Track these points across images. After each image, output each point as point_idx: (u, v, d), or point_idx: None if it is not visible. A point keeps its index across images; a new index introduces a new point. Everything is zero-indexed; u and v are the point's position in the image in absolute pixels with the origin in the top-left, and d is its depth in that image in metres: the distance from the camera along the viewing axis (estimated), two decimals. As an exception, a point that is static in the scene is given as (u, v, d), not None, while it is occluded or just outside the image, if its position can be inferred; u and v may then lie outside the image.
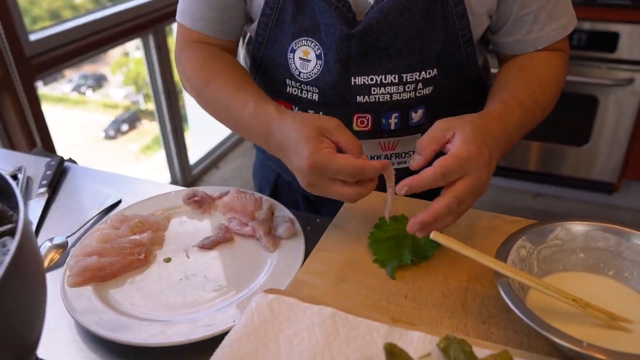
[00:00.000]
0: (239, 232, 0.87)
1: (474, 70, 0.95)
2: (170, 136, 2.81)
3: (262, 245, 0.84)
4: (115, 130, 3.38)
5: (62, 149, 2.39)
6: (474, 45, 0.91)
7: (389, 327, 0.61)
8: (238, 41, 1.02)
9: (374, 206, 0.87)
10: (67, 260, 0.82)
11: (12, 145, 1.95)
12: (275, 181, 1.17)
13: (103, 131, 3.36)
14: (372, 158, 0.98)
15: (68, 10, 2.55)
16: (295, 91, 0.95)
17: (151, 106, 2.76)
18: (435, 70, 0.90)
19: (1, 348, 0.46)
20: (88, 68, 3.33)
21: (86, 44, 2.15)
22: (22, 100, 1.91)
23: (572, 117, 2.52)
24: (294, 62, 0.92)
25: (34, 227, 0.94)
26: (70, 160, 1.18)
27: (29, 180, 1.08)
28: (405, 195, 0.70)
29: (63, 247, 0.88)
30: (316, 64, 0.90)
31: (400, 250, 0.77)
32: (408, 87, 0.90)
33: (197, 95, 0.95)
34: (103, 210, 0.98)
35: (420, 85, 0.91)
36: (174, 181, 2.93)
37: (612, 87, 2.36)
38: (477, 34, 0.92)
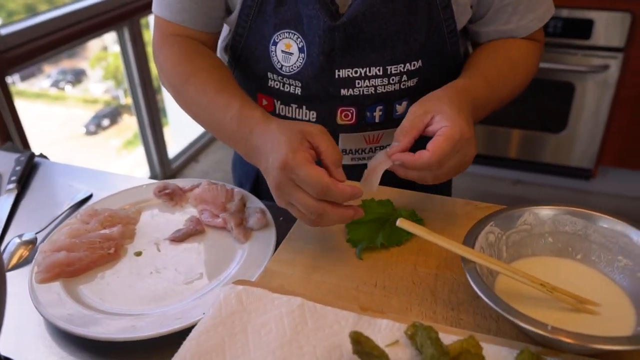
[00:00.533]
0: (210, 224, 0.87)
1: (457, 60, 0.95)
2: (148, 130, 2.78)
3: (233, 236, 0.83)
4: (96, 126, 3.34)
5: (42, 146, 2.36)
6: (457, 35, 0.91)
7: (357, 316, 0.61)
8: (218, 34, 0.99)
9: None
10: (35, 257, 0.80)
11: (-16, 142, 1.92)
12: (256, 175, 1.16)
13: (84, 127, 3.32)
14: (356, 152, 0.98)
15: (44, 4, 2.51)
16: (277, 85, 0.93)
17: (131, 100, 2.73)
18: (419, 61, 0.89)
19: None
20: (66, 63, 3.29)
21: (60, 37, 2.12)
22: (-6, 96, 1.88)
23: (549, 104, 2.53)
24: (276, 55, 0.90)
25: (2, 224, 0.92)
26: (42, 155, 1.16)
27: (-3, 177, 1.07)
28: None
29: (32, 243, 0.87)
30: (298, 57, 0.89)
31: (375, 233, 0.77)
32: (392, 80, 0.90)
33: (175, 93, 0.91)
34: (74, 205, 0.97)
35: (404, 77, 0.90)
36: (153, 175, 2.90)
37: (587, 73, 2.38)
38: (460, 24, 0.91)
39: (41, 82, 3.24)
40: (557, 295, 0.62)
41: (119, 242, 0.83)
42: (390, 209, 0.82)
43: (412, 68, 0.89)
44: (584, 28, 2.30)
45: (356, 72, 0.88)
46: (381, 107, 0.92)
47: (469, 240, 0.65)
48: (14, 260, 0.84)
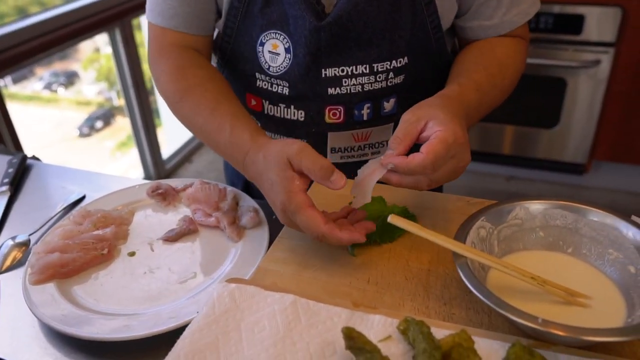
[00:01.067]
0: (203, 224, 0.87)
1: (443, 56, 0.95)
2: (141, 131, 2.78)
3: (226, 235, 0.84)
4: (89, 128, 3.33)
5: (36, 148, 2.35)
6: (442, 31, 0.91)
7: (350, 312, 0.61)
8: (212, 36, 0.99)
9: (338, 193, 0.87)
10: (28, 258, 0.80)
11: (-24, 145, 1.92)
12: (248, 175, 1.16)
13: (77, 129, 3.31)
14: (345, 150, 0.98)
15: (36, 7, 2.50)
16: (265, 85, 0.94)
17: (124, 102, 2.73)
18: (405, 58, 0.90)
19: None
20: (59, 65, 3.28)
21: (52, 39, 2.11)
22: (-15, 99, 1.88)
23: (541, 99, 2.54)
24: (263, 56, 0.91)
25: (-5, 226, 0.92)
26: (34, 157, 1.16)
27: (-10, 179, 1.07)
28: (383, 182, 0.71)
29: (25, 245, 0.87)
30: (285, 57, 0.89)
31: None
32: (379, 77, 0.90)
33: (172, 109, 0.92)
34: (67, 207, 0.97)
35: (391, 75, 0.90)
36: (147, 176, 2.90)
37: (579, 69, 2.39)
38: (445, 19, 0.91)
39: (33, 85, 3.23)
40: (548, 288, 0.62)
41: (112, 242, 0.83)
42: (383, 206, 0.83)
43: (399, 65, 0.90)
44: (575, 23, 2.30)
45: (343, 70, 0.89)
46: (369, 104, 0.92)
47: (460, 235, 0.66)
48: (8, 262, 0.84)
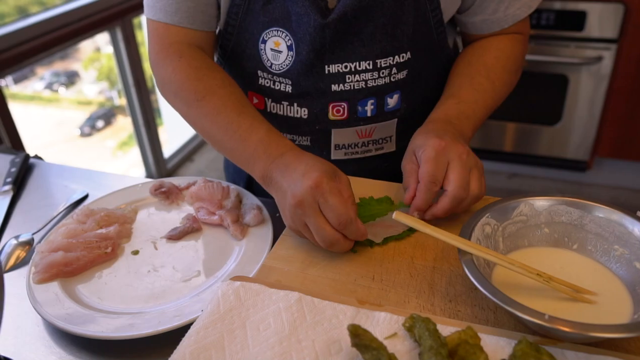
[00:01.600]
0: (207, 222, 0.87)
1: (445, 51, 0.95)
2: (142, 129, 2.78)
3: (230, 233, 0.83)
4: (90, 127, 3.34)
5: (37, 148, 2.35)
6: (444, 26, 0.91)
7: (355, 309, 0.61)
8: (215, 33, 0.97)
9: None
10: (32, 257, 0.80)
11: (-22, 145, 1.91)
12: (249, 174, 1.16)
13: (78, 128, 3.31)
14: (349, 146, 0.98)
15: (36, 7, 2.50)
16: (267, 83, 0.93)
17: (125, 101, 2.73)
18: (408, 53, 0.90)
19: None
20: (59, 65, 3.28)
21: (52, 39, 2.11)
22: (-13, 99, 1.87)
23: (543, 96, 2.54)
24: (265, 54, 0.90)
25: (-2, 225, 0.92)
26: (37, 157, 1.16)
27: (-7, 179, 1.07)
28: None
29: (29, 244, 0.87)
30: (287, 54, 0.89)
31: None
32: (383, 73, 0.90)
33: (187, 108, 0.88)
34: (70, 206, 0.96)
35: (394, 70, 0.90)
36: (148, 175, 2.90)
37: (581, 65, 2.38)
38: (447, 14, 0.92)
39: (34, 85, 3.23)
40: (554, 285, 0.62)
41: (115, 241, 0.83)
42: (389, 205, 0.82)
43: (401, 60, 0.90)
44: (577, 20, 2.30)
45: (346, 67, 0.89)
46: (372, 100, 0.92)
47: (465, 232, 0.65)
48: (12, 262, 0.84)
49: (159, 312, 0.71)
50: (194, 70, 0.88)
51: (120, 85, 2.66)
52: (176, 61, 0.89)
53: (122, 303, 0.74)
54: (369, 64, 0.89)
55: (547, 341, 0.57)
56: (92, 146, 3.34)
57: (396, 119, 0.97)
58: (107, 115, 3.38)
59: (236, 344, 0.58)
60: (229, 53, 0.95)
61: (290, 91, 0.92)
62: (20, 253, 0.85)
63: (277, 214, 0.87)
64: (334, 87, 0.90)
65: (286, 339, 0.58)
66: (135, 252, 0.83)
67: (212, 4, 0.91)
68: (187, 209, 0.92)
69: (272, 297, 0.63)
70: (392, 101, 0.94)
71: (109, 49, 2.64)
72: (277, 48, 0.89)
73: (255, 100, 0.97)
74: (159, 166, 2.95)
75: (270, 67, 0.91)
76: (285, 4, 0.86)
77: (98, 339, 0.67)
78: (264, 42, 0.89)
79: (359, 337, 0.53)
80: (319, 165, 0.72)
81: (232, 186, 0.92)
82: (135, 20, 2.63)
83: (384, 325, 0.59)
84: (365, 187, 0.87)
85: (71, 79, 3.34)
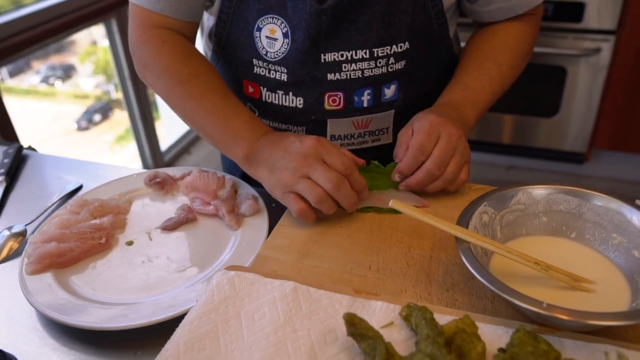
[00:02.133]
0: (202, 212, 0.86)
1: (445, 42, 0.94)
2: (139, 122, 2.76)
3: (225, 223, 0.83)
4: (87, 121, 3.32)
5: (34, 142, 2.33)
6: (445, 16, 0.90)
7: (351, 299, 0.61)
8: (198, 24, 0.97)
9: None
10: (25, 248, 0.79)
11: (-28, 137, 1.90)
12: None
13: (75, 122, 3.30)
14: (345, 137, 0.97)
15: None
16: (262, 71, 0.92)
17: (121, 94, 2.72)
18: (406, 43, 0.89)
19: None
20: (55, 58, 3.26)
21: (47, 30, 2.09)
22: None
23: (541, 88, 2.53)
24: (260, 41, 0.89)
25: (-9, 216, 0.91)
26: (30, 148, 1.15)
27: (-14, 170, 1.06)
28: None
29: (22, 235, 0.86)
30: (283, 42, 0.88)
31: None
32: (380, 62, 0.89)
33: (169, 90, 0.89)
34: (64, 197, 0.96)
35: (392, 60, 0.89)
36: (145, 168, 2.88)
37: (579, 57, 2.37)
38: (447, 3, 0.90)
39: (30, 79, 3.22)
40: (552, 273, 0.62)
41: (109, 232, 0.82)
42: (388, 181, 0.83)
43: (399, 50, 0.89)
44: (576, 11, 2.29)
45: (342, 55, 0.88)
46: (369, 90, 0.91)
47: (463, 220, 0.65)
48: (4, 253, 0.83)
49: (153, 302, 0.70)
50: (178, 55, 0.89)
51: (116, 79, 2.64)
52: (159, 45, 0.89)
53: (116, 294, 0.73)
54: (365, 53, 0.88)
55: (545, 330, 0.56)
56: (89, 140, 3.32)
57: (393, 110, 0.96)
58: (104, 109, 3.37)
59: (231, 333, 0.57)
60: (224, 42, 0.94)
61: (285, 80, 0.91)
62: (13, 244, 0.84)
63: (273, 204, 0.86)
64: (330, 76, 0.89)
65: (281, 329, 0.57)
66: (130, 243, 0.82)
67: None
68: (182, 200, 0.91)
69: (267, 286, 0.62)
70: (389, 92, 0.93)
71: (105, 43, 2.62)
72: (272, 36, 0.88)
73: (251, 89, 0.96)
74: (156, 159, 2.93)
75: (266, 55, 0.90)
76: None
77: (92, 329, 0.66)
78: (259, 29, 0.88)
79: (355, 326, 0.52)
80: (309, 135, 0.77)
81: (228, 176, 0.91)
82: (131, 12, 2.61)
83: (380, 314, 0.59)
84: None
85: (67, 72, 3.32)
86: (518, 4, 0.92)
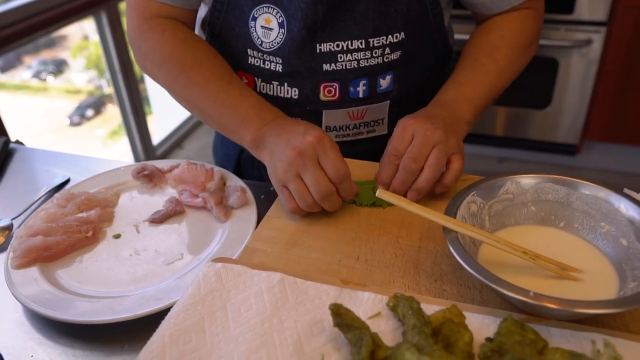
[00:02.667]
0: (190, 204, 0.85)
1: (441, 32, 0.94)
2: (130, 117, 2.74)
3: (213, 216, 0.82)
4: (80, 117, 3.30)
5: (25, 138, 2.32)
6: (440, 6, 0.90)
7: (338, 289, 0.60)
8: (196, 11, 0.96)
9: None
10: (11, 242, 0.79)
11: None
12: (239, 157, 1.14)
13: (67, 118, 3.27)
14: (340, 128, 0.97)
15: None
16: (257, 62, 0.91)
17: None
18: (402, 33, 0.88)
19: None
20: (47, 53, 3.23)
21: (36, 23, 2.07)
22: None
23: (533, 80, 2.53)
24: (255, 31, 0.88)
25: (-23, 211, 0.90)
26: (18, 142, 1.14)
27: (-28, 164, 1.04)
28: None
29: (8, 229, 0.85)
30: (278, 32, 0.87)
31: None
32: (375, 53, 0.88)
33: (172, 79, 0.88)
34: (51, 190, 0.95)
35: (387, 50, 0.89)
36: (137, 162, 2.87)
37: (571, 48, 2.37)
38: None
39: (22, 74, 3.19)
40: (540, 262, 0.61)
41: (97, 225, 0.82)
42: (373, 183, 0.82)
43: (395, 40, 0.88)
44: (567, 2, 2.28)
45: (338, 45, 0.87)
46: (365, 81, 0.91)
47: (451, 210, 0.64)
48: (-10, 247, 0.82)
49: (140, 295, 0.69)
50: (180, 42, 0.88)
51: (107, 73, 2.62)
52: (159, 34, 0.88)
53: (102, 287, 0.72)
54: (361, 43, 0.87)
55: (532, 319, 0.56)
56: (82, 135, 3.30)
57: (389, 101, 0.95)
58: (97, 104, 3.35)
59: (217, 325, 0.57)
60: (217, 31, 0.93)
61: (280, 70, 0.90)
62: (-1, 238, 0.84)
63: (262, 196, 0.86)
64: (326, 67, 0.89)
65: (268, 320, 0.57)
66: (117, 236, 0.81)
67: None
68: (171, 192, 0.90)
69: (254, 278, 0.62)
70: (384, 82, 0.92)
71: (97, 37, 2.60)
72: (267, 25, 0.87)
73: (245, 80, 0.95)
74: (148, 153, 2.92)
75: (261, 45, 0.89)
76: None
77: (78, 323, 0.65)
78: (254, 19, 0.87)
79: (341, 317, 0.52)
80: (318, 127, 0.75)
81: (216, 168, 0.91)
82: (121, 6, 2.59)
83: (367, 305, 0.58)
84: (353, 169, 0.85)
85: (59, 67, 3.29)
86: None
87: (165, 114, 3.27)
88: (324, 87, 0.91)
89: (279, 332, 0.55)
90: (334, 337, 0.54)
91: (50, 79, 3.28)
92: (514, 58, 0.93)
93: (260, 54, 0.90)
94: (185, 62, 0.86)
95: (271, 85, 0.93)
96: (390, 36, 0.88)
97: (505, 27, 0.93)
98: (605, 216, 0.66)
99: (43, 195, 0.93)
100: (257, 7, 0.86)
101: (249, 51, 0.91)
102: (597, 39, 2.32)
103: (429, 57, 0.96)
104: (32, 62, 3.17)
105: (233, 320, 0.57)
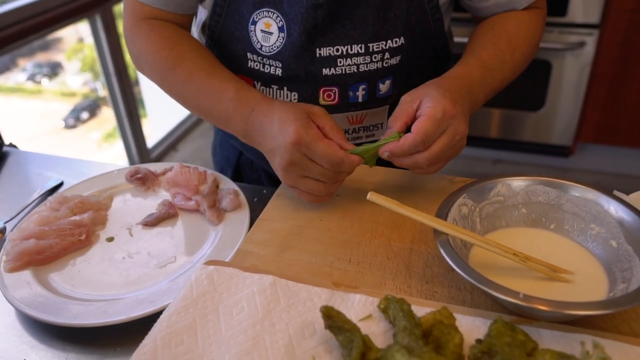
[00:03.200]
0: (183, 207, 0.86)
1: (441, 37, 0.94)
2: (125, 119, 2.74)
3: (206, 218, 0.82)
4: (75, 119, 3.29)
5: (20, 141, 2.32)
6: (441, 12, 0.90)
7: (330, 292, 0.60)
8: (192, 16, 0.97)
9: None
10: (4, 246, 0.79)
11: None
12: (237, 160, 1.14)
13: (62, 120, 3.26)
14: None
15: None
16: (257, 66, 0.91)
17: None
18: (402, 38, 0.88)
19: None
20: (42, 56, 3.23)
21: (30, 26, 2.07)
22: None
23: (526, 82, 2.53)
24: (255, 35, 0.88)
25: (-30, 214, 0.90)
26: (11, 145, 1.14)
27: (-35, 167, 1.04)
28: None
29: (1, 233, 0.85)
30: (278, 36, 0.87)
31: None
32: (375, 57, 0.88)
33: (160, 79, 0.89)
34: (44, 193, 0.95)
35: (387, 55, 0.89)
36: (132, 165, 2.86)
37: (564, 51, 2.38)
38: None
39: (16, 76, 3.18)
40: (531, 264, 0.62)
41: (90, 228, 0.82)
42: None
43: (395, 45, 0.88)
44: (560, 5, 2.30)
45: (337, 50, 0.87)
46: (364, 86, 0.91)
47: (442, 212, 0.65)
48: (-17, 250, 0.82)
49: (133, 298, 0.70)
50: (163, 40, 0.88)
51: (102, 76, 2.62)
52: (146, 34, 0.89)
53: (95, 290, 0.72)
54: (360, 48, 0.87)
55: (523, 320, 0.56)
56: (77, 138, 3.29)
57: (388, 106, 0.95)
58: (92, 107, 3.34)
59: (209, 328, 0.57)
60: (217, 35, 0.93)
61: (280, 74, 0.90)
62: (-8, 242, 0.84)
63: (255, 199, 0.86)
64: (325, 71, 0.89)
65: (259, 323, 0.57)
66: (110, 239, 0.82)
67: None
68: (164, 195, 0.90)
69: (246, 280, 0.62)
70: (384, 87, 0.92)
71: (92, 40, 2.59)
72: (267, 29, 0.87)
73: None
74: (143, 156, 2.91)
75: (260, 49, 0.89)
76: None
77: (70, 326, 0.66)
78: (254, 23, 0.87)
79: (332, 319, 0.52)
80: (291, 116, 0.73)
81: (209, 171, 0.91)
82: (116, 9, 2.59)
83: (359, 307, 0.59)
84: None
85: (54, 70, 3.29)
86: None
87: (160, 116, 3.27)
88: (324, 92, 0.91)
89: (270, 334, 0.56)
90: (325, 339, 0.55)
91: (45, 81, 3.27)
92: (527, 52, 0.92)
93: (260, 57, 0.90)
94: (168, 60, 0.87)
95: (270, 89, 0.93)
96: (389, 41, 0.88)
97: (519, 19, 0.93)
98: (595, 218, 0.66)
99: (36, 199, 0.93)
100: (257, 11, 0.86)
101: (249, 55, 0.91)
102: (590, 41, 2.33)
103: (429, 62, 0.96)
104: (27, 64, 3.17)
105: (225, 322, 0.57)
